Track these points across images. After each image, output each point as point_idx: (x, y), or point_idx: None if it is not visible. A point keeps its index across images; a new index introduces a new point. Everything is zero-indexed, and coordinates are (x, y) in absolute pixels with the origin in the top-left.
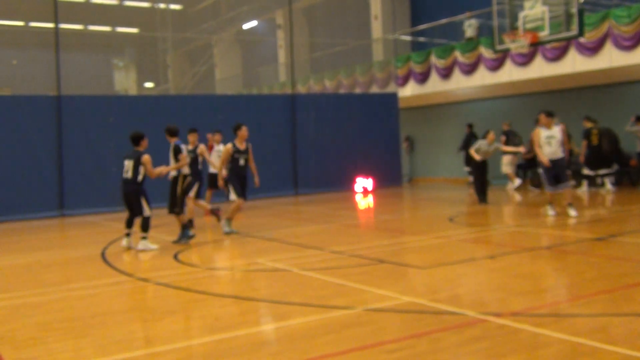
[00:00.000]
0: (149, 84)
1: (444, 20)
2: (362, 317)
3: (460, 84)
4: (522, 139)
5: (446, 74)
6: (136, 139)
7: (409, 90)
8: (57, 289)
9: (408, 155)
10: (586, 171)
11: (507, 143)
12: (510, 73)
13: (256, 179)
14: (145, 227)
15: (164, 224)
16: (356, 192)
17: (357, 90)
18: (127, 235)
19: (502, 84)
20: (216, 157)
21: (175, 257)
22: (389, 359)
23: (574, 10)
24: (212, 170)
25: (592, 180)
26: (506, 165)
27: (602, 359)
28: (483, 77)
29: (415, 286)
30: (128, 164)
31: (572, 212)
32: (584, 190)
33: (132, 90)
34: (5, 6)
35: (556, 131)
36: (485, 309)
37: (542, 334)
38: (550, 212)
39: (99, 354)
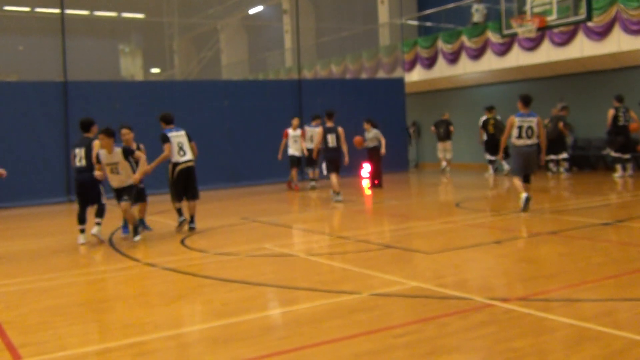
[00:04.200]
0: (155, 70)
1: (451, 5)
2: (369, 302)
3: (467, 68)
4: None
5: (453, 58)
6: (86, 125)
7: (416, 76)
8: (66, 274)
9: (415, 141)
10: (487, 156)
11: (437, 133)
12: (517, 58)
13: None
14: (102, 213)
15: (169, 209)
16: (362, 178)
17: (364, 76)
18: (82, 231)
19: (510, 68)
20: (292, 142)
21: (182, 242)
22: (395, 344)
23: None
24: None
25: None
26: (441, 151)
27: (609, 344)
28: (490, 62)
29: (422, 271)
30: (79, 152)
31: None
32: (490, 173)
33: (138, 76)
34: None
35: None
36: (492, 293)
37: (548, 319)
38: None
39: (107, 338)
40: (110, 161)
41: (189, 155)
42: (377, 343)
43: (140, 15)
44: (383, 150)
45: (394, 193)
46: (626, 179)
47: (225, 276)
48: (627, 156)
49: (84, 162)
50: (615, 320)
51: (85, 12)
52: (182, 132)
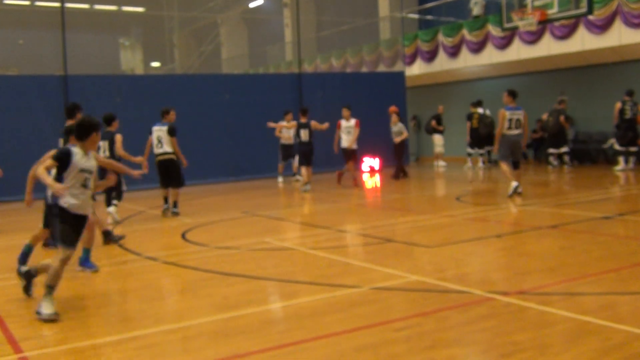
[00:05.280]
0: (155, 64)
1: None
2: (369, 296)
3: (468, 62)
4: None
5: (454, 52)
6: (109, 120)
7: (417, 69)
8: (67, 267)
9: (415, 135)
10: (468, 149)
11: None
12: (518, 51)
13: None
14: (120, 196)
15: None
16: (363, 172)
17: (364, 69)
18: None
19: (510, 62)
20: (346, 133)
21: (183, 236)
22: (395, 337)
23: None
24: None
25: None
26: (438, 146)
27: (609, 337)
28: (491, 56)
29: (422, 265)
30: (103, 145)
31: None
32: (469, 166)
33: (139, 70)
34: None
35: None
36: (492, 287)
37: (548, 312)
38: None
39: (108, 332)
40: (86, 166)
41: (165, 149)
42: (377, 336)
43: (140, 9)
44: (397, 139)
45: (395, 186)
46: (628, 173)
47: (226, 270)
48: (634, 149)
49: (107, 154)
50: (616, 314)
51: (85, 6)
52: (165, 128)
